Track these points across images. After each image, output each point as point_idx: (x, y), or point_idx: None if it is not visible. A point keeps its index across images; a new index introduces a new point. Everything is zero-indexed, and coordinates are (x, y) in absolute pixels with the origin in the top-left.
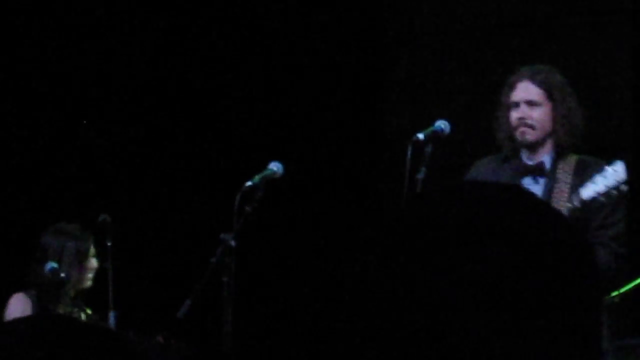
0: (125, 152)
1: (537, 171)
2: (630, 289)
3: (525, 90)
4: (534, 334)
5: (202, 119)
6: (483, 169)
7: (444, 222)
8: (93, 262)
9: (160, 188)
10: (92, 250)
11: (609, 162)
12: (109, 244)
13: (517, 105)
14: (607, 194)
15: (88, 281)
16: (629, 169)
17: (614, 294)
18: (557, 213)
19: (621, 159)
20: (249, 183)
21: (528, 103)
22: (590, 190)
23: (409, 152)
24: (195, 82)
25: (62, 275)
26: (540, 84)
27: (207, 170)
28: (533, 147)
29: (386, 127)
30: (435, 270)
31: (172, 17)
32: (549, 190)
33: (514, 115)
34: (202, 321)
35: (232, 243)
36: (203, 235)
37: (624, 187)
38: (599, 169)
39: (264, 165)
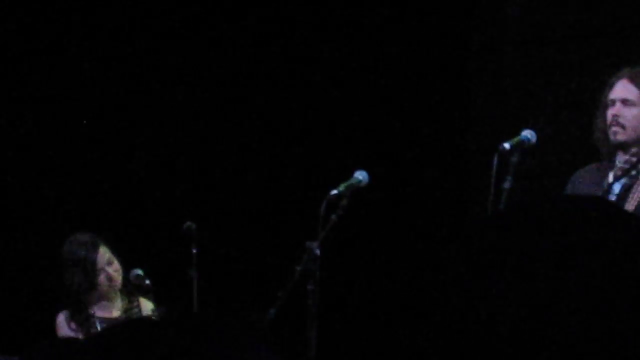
0: (211, 161)
1: (625, 172)
2: None
3: (622, 88)
4: (627, 339)
5: (290, 128)
6: (583, 177)
7: (529, 239)
8: (107, 267)
9: (246, 196)
10: (105, 256)
11: None
12: (194, 251)
13: (613, 103)
14: None
15: (109, 283)
16: None
17: None
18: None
19: None
20: (334, 191)
21: (623, 102)
22: None
23: (495, 162)
24: (284, 92)
25: (147, 282)
26: (638, 84)
27: (293, 177)
28: (624, 147)
29: (472, 137)
30: (519, 285)
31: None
32: (625, 189)
33: (610, 112)
34: (286, 329)
35: (317, 251)
36: (289, 243)
37: None
38: None
39: (350, 174)
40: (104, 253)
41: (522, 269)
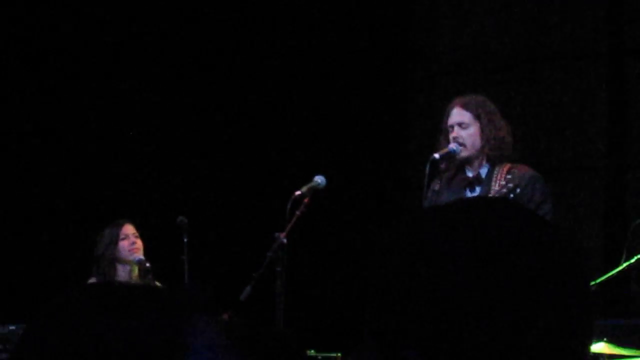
0: (200, 167)
1: (474, 182)
2: (604, 280)
3: (457, 114)
4: (538, 319)
5: (264, 142)
6: (441, 187)
7: (450, 231)
8: (130, 236)
9: (227, 195)
10: (129, 229)
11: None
12: (185, 240)
13: (452, 128)
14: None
15: (128, 255)
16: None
17: (592, 283)
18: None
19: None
20: (298, 192)
21: (460, 125)
22: None
23: (428, 168)
24: (268, 109)
25: (147, 264)
26: (468, 109)
27: (265, 181)
28: (469, 161)
29: (411, 149)
30: (443, 270)
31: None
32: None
33: (451, 136)
34: (259, 303)
35: (284, 240)
36: (261, 234)
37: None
38: (523, 174)
39: (310, 178)
40: (129, 228)
41: (443, 255)
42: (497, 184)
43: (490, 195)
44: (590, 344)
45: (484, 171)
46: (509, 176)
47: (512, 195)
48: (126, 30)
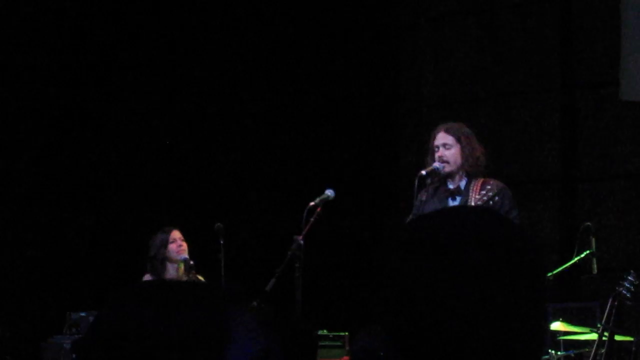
0: (233, 183)
1: (455, 192)
2: (559, 271)
3: (442, 137)
4: (504, 305)
5: (286, 166)
6: (427, 199)
7: (437, 233)
8: (178, 240)
9: (256, 206)
10: (177, 234)
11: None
12: (221, 242)
13: (438, 148)
14: None
15: (176, 255)
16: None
17: (550, 274)
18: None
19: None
20: (312, 203)
21: (444, 145)
22: None
23: (416, 183)
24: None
25: (191, 262)
26: (451, 133)
27: (286, 194)
28: (451, 176)
29: (401, 166)
30: (434, 266)
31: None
32: (463, 204)
33: (437, 155)
34: (282, 293)
35: (301, 242)
36: (283, 237)
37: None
38: (495, 186)
39: (322, 191)
40: (177, 233)
41: (430, 253)
42: (475, 194)
43: (470, 203)
44: (546, 321)
45: (463, 184)
46: (487, 187)
47: (490, 203)
48: (164, 58)
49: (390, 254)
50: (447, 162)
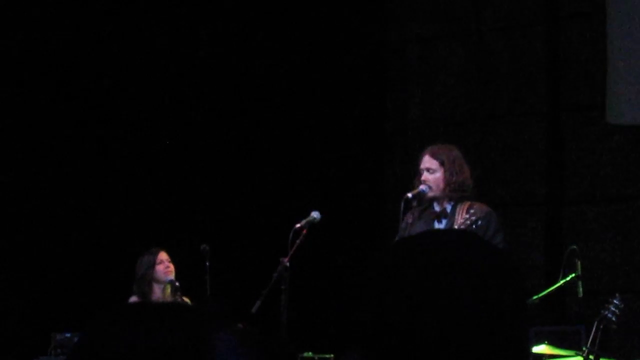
0: (220, 203)
1: (441, 215)
2: (545, 294)
3: (427, 161)
4: (486, 329)
5: (271, 189)
6: (412, 219)
7: (418, 256)
8: (164, 261)
9: (242, 228)
10: (164, 256)
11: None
12: (207, 263)
13: (422, 172)
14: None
15: (163, 276)
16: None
17: (535, 297)
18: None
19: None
20: (298, 225)
21: (428, 170)
22: None
23: (402, 205)
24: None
25: (177, 284)
26: (435, 157)
27: (272, 217)
28: (437, 199)
29: (388, 188)
30: (415, 289)
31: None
32: (449, 227)
33: (422, 178)
34: (268, 314)
35: (287, 264)
36: (268, 259)
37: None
38: (481, 210)
39: (307, 213)
40: (164, 255)
41: (412, 276)
42: (460, 218)
43: (455, 226)
44: (527, 342)
45: (448, 207)
46: (471, 211)
47: (474, 227)
48: (160, 65)
49: (372, 276)
50: (430, 187)
